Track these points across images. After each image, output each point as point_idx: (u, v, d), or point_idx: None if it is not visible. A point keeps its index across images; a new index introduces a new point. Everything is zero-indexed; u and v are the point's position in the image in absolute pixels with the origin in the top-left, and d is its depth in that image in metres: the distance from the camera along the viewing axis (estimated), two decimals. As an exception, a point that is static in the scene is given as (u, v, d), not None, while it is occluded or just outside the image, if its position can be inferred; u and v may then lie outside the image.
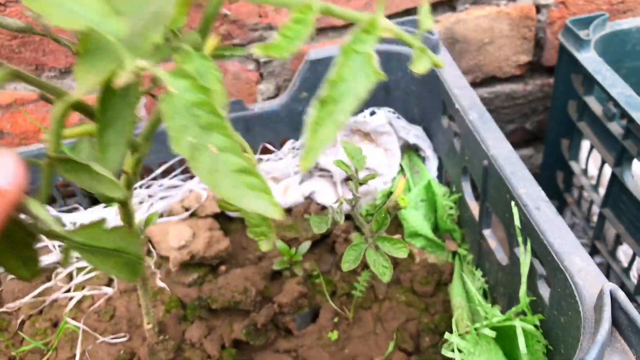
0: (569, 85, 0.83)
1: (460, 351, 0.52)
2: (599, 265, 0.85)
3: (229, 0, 0.38)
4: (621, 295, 0.42)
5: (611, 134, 0.74)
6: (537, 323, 0.53)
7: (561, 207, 0.96)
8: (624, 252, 0.81)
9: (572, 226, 0.94)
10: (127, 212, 0.49)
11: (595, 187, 0.83)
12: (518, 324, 0.53)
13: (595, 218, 0.84)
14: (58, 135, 0.35)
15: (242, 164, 0.29)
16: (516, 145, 1.07)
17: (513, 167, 0.57)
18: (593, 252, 0.86)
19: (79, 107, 0.36)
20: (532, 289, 0.55)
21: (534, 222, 0.52)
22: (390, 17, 0.86)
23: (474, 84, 0.96)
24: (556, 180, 0.95)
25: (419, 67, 0.37)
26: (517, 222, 0.54)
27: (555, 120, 0.90)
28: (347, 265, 0.52)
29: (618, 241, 0.80)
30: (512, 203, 0.55)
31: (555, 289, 0.50)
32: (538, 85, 0.98)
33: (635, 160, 0.71)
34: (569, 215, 0.94)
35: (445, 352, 0.53)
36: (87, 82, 0.29)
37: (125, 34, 0.28)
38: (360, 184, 0.56)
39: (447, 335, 0.53)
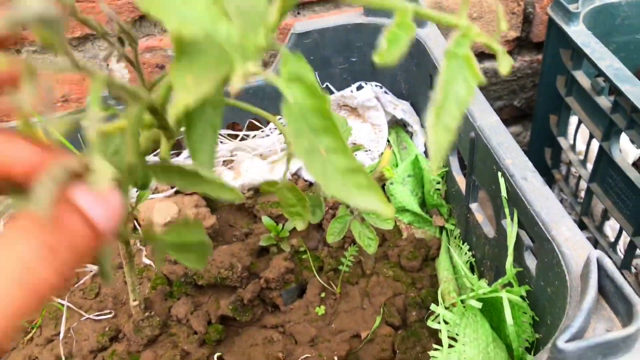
0: (557, 60, 0.83)
1: (446, 323, 0.52)
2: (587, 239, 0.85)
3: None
4: (607, 263, 0.42)
5: (599, 108, 0.74)
6: (524, 294, 0.53)
7: (549, 184, 0.95)
8: (611, 227, 0.81)
9: (560, 202, 0.94)
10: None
11: (583, 162, 0.83)
12: (504, 295, 0.52)
13: (582, 194, 0.84)
14: (137, 138, 0.33)
15: (350, 164, 0.29)
16: (504, 122, 1.07)
17: (499, 137, 0.56)
18: (581, 227, 0.86)
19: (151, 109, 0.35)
20: (518, 260, 0.55)
21: (520, 193, 0.51)
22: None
23: (463, 60, 0.95)
24: (544, 157, 0.95)
25: (504, 68, 0.36)
26: (503, 193, 0.53)
27: (543, 96, 0.90)
28: (332, 237, 0.51)
29: (605, 216, 0.80)
30: (499, 174, 0.54)
31: (542, 259, 0.50)
32: (527, 62, 0.98)
33: (623, 134, 0.71)
34: (557, 192, 0.94)
35: (431, 324, 0.53)
36: (190, 87, 0.27)
37: (236, 37, 0.28)
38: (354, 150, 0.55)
39: (433, 307, 0.53)
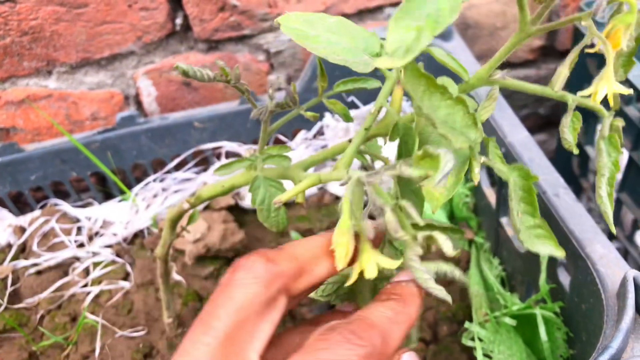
0: (584, 69, 0.82)
1: (480, 340, 0.52)
2: (617, 249, 0.84)
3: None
4: (645, 282, 0.42)
5: (628, 117, 0.73)
6: (557, 310, 0.52)
7: (577, 192, 0.95)
8: (642, 237, 0.80)
9: (588, 211, 0.93)
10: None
11: (612, 172, 0.82)
12: (538, 311, 0.52)
13: (612, 203, 0.83)
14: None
15: (536, 222, 0.38)
16: (530, 130, 1.06)
17: (531, 153, 0.56)
18: (611, 237, 0.85)
19: None
20: (551, 276, 0.55)
21: (553, 209, 0.51)
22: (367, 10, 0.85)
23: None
24: (571, 165, 0.94)
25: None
26: (535, 209, 0.53)
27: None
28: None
29: (636, 226, 0.79)
30: (531, 190, 0.54)
31: (576, 276, 0.50)
32: (552, 70, 0.97)
33: (653, 144, 0.70)
34: (585, 201, 0.93)
35: (465, 341, 0.53)
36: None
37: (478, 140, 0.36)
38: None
39: (467, 324, 0.53)
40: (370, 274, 0.33)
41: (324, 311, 0.73)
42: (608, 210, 0.41)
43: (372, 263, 0.33)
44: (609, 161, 0.41)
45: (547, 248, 0.38)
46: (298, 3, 0.82)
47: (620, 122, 0.41)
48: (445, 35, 0.72)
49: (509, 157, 0.58)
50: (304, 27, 0.40)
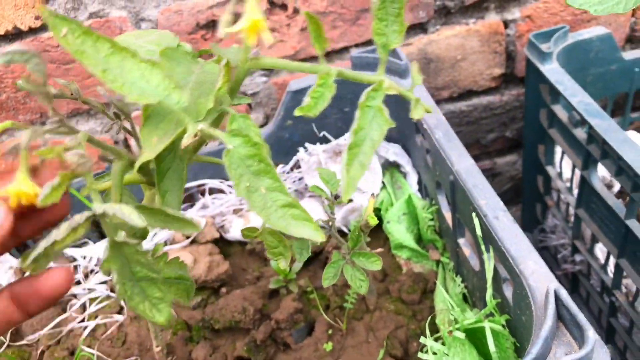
0: (538, 94, 0.88)
1: (434, 353, 0.57)
2: (580, 262, 0.89)
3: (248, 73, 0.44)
4: (563, 294, 0.47)
5: (577, 140, 0.79)
6: (503, 323, 0.58)
7: (544, 210, 1.00)
8: (601, 250, 0.85)
9: (554, 227, 0.98)
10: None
11: (570, 189, 0.88)
12: (487, 324, 0.57)
13: (572, 219, 0.89)
14: (121, 187, 0.41)
15: (288, 200, 0.35)
16: (499, 152, 1.12)
17: (474, 180, 0.62)
18: (574, 250, 0.91)
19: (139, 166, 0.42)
20: (499, 291, 0.60)
21: (493, 231, 0.57)
22: (365, 43, 0.92)
23: (452, 99, 1.02)
24: (537, 184, 1.00)
25: (415, 114, 0.44)
26: (478, 231, 0.59)
27: (529, 128, 0.95)
28: (327, 281, 0.57)
29: (594, 239, 0.84)
30: (474, 214, 0.60)
31: (516, 290, 0.55)
32: (514, 95, 1.03)
33: (599, 164, 0.76)
34: (551, 217, 0.98)
35: (422, 355, 0.58)
36: (154, 145, 0.35)
37: (185, 103, 0.35)
38: (338, 203, 0.61)
39: (422, 339, 0.58)
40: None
41: (302, 335, 0.79)
42: (344, 179, 0.37)
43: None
44: (378, 131, 0.38)
45: (305, 230, 0.35)
46: (269, 49, 0.89)
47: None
48: (401, 74, 0.78)
49: (457, 183, 0.64)
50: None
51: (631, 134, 0.97)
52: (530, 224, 1.08)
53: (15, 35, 0.83)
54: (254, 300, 0.80)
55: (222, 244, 0.91)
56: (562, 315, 0.47)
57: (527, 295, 0.51)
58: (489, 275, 0.58)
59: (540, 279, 0.51)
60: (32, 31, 0.83)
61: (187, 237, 0.90)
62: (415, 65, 0.42)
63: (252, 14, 0.33)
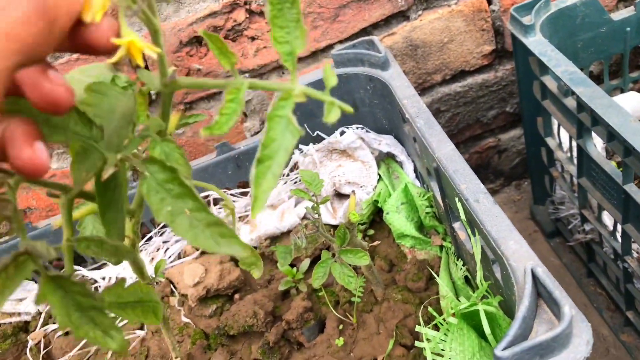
0: (528, 67, 0.87)
1: (429, 340, 0.58)
2: (591, 231, 0.88)
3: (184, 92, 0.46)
4: (540, 272, 0.47)
5: (568, 109, 0.78)
6: (496, 305, 0.58)
7: (551, 182, 0.99)
8: (608, 217, 0.84)
9: (563, 198, 0.97)
10: (137, 266, 0.57)
11: (571, 159, 0.86)
12: (480, 307, 0.58)
13: (577, 188, 0.88)
14: (70, 220, 0.43)
15: (212, 219, 0.36)
16: (502, 128, 1.11)
17: (455, 165, 0.62)
18: (583, 220, 0.89)
19: (81, 195, 0.44)
20: (491, 273, 0.60)
21: (474, 214, 0.57)
22: (348, 38, 0.92)
23: (446, 81, 1.01)
24: (541, 157, 0.99)
25: (330, 117, 0.44)
26: (462, 215, 0.59)
27: (525, 101, 0.94)
28: (317, 281, 0.59)
29: (601, 208, 0.83)
30: (456, 199, 0.60)
31: (502, 271, 0.55)
32: (508, 70, 1.02)
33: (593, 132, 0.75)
34: (559, 188, 0.97)
35: (418, 344, 0.59)
36: (82, 179, 0.37)
37: (102, 137, 0.37)
38: (321, 203, 0.62)
39: (417, 327, 0.59)
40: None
41: (314, 332, 0.80)
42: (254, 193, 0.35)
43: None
44: (290, 140, 0.36)
45: (231, 247, 0.35)
46: (255, 57, 0.90)
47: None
48: (382, 66, 0.78)
49: (440, 170, 0.64)
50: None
51: (632, 94, 0.95)
52: (542, 196, 1.07)
53: None
54: (264, 303, 0.82)
55: (233, 251, 0.93)
56: (541, 293, 0.47)
57: (510, 275, 0.52)
58: (478, 257, 0.59)
59: (522, 259, 0.52)
60: None
61: (197, 249, 0.93)
62: (328, 66, 0.41)
63: (127, 35, 0.33)
